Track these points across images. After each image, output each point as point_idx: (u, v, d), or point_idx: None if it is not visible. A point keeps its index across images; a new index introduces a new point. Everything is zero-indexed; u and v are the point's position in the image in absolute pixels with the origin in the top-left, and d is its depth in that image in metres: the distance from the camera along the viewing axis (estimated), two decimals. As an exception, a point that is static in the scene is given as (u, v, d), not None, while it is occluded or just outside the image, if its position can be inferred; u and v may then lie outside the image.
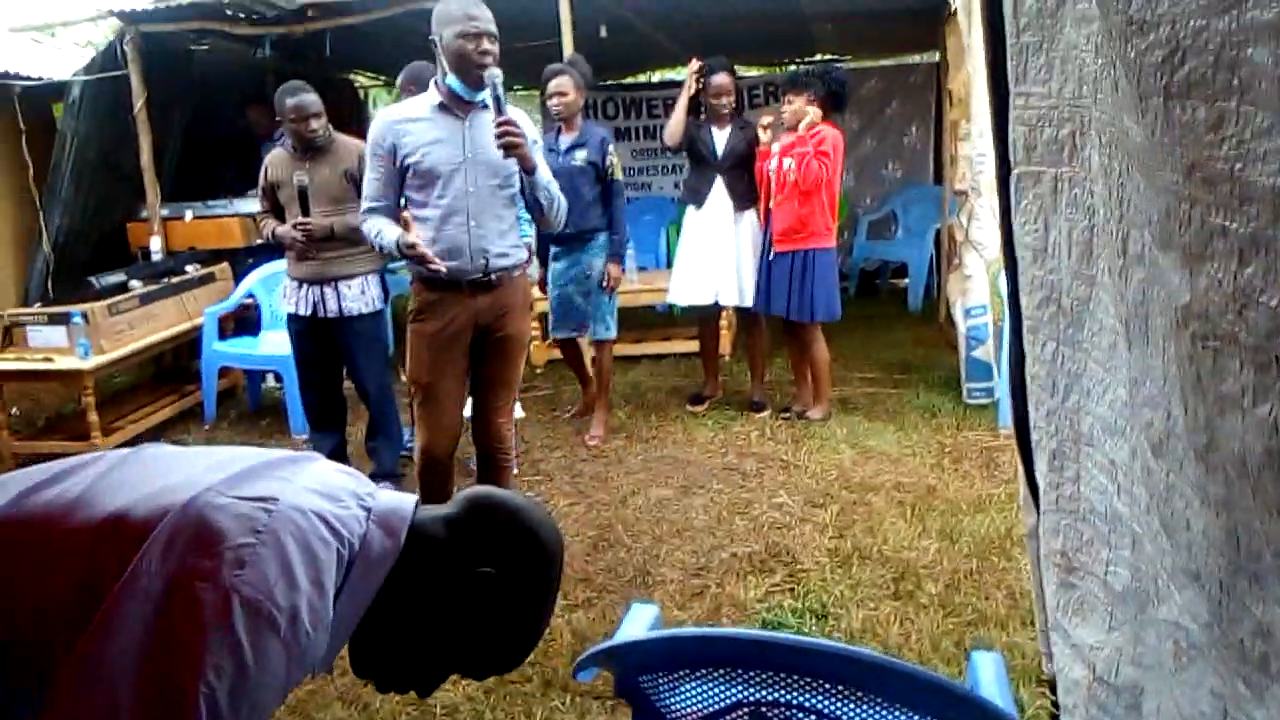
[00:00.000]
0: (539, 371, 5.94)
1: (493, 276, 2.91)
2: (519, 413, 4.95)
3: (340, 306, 3.81)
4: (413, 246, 2.79)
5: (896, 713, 1.23)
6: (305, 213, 3.71)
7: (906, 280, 7.42)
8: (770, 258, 4.51)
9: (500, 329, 2.98)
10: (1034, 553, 1.63)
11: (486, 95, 2.79)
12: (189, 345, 5.23)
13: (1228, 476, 0.70)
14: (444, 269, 2.80)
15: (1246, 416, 0.66)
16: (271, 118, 4.52)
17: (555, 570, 1.12)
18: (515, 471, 3.85)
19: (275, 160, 3.93)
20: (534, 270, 4.90)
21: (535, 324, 5.98)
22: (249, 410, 5.30)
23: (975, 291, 4.71)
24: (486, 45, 2.73)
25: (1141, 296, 0.89)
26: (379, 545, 1.01)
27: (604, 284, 4.45)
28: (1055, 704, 1.70)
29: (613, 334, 4.60)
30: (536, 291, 4.69)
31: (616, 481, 4.06)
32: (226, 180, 6.09)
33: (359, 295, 3.83)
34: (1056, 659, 1.37)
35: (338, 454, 4.18)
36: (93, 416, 4.36)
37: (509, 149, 2.74)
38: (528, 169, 2.83)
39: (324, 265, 3.78)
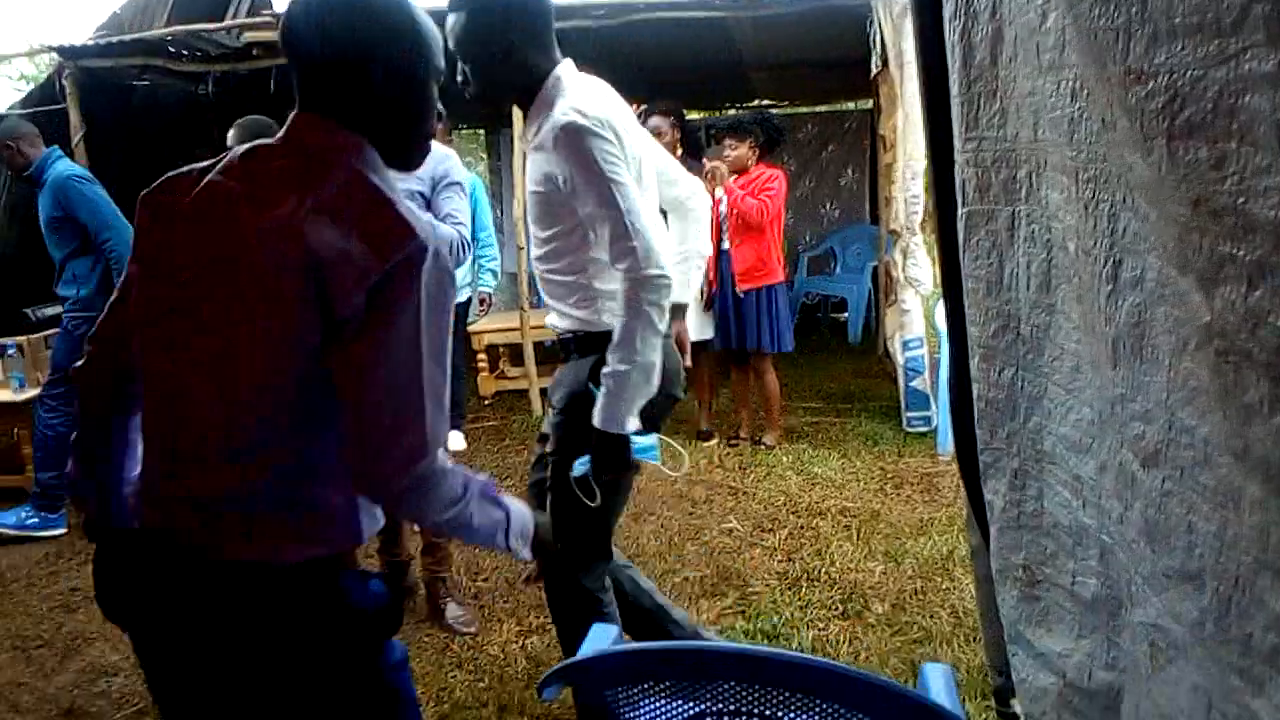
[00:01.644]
0: (487, 403, 5.94)
1: None
2: (459, 444, 4.95)
3: None
4: None
5: (852, 718, 1.28)
6: None
7: (846, 314, 7.62)
8: (739, 296, 4.62)
9: None
10: (980, 570, 1.70)
11: None
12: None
13: (1264, 479, 0.74)
14: None
15: (1266, 424, 0.71)
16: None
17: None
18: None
19: None
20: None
21: (483, 357, 6.00)
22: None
23: (912, 325, 4.87)
24: None
25: (1136, 318, 0.95)
26: None
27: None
28: (1003, 714, 1.78)
29: None
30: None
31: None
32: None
33: None
34: (1018, 669, 1.43)
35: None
36: (27, 449, 4.25)
37: None
38: None
39: None
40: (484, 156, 9.97)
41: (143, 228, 1.31)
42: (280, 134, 1.28)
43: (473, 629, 3.01)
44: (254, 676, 1.26)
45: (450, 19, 1.93)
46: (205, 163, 1.30)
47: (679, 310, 2.25)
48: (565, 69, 1.99)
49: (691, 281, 2.40)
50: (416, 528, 3.08)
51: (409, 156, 1.34)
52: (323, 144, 1.25)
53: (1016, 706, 1.58)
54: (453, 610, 3.07)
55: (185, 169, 1.31)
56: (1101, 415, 1.12)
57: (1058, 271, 1.24)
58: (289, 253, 1.16)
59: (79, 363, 1.41)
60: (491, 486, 1.33)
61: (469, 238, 3.02)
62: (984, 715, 2.23)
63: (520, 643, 2.93)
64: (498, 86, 1.98)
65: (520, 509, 1.40)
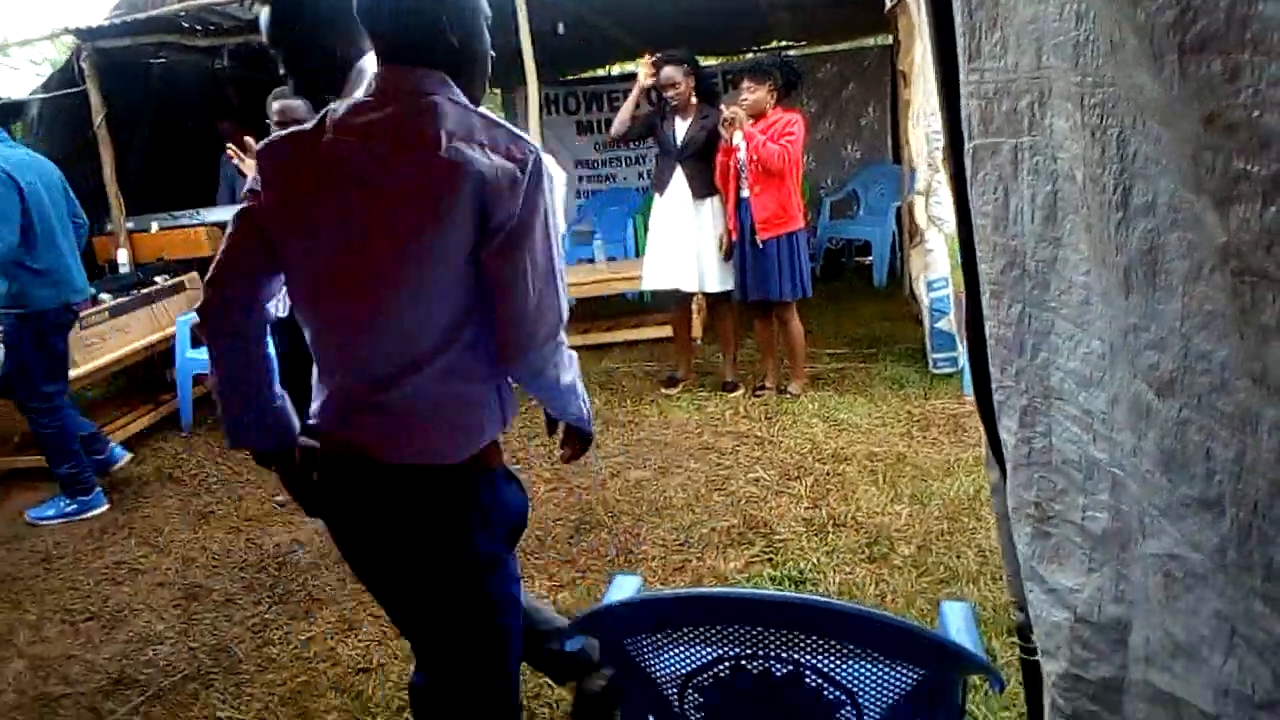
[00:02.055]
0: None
1: None
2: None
3: None
4: None
5: (868, 659, 1.30)
6: None
7: (870, 258, 7.54)
8: (759, 247, 4.58)
9: None
10: (999, 507, 1.71)
11: None
12: (162, 355, 5.24)
13: None
14: None
15: None
16: (241, 131, 4.52)
17: None
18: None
19: None
20: None
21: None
22: (226, 417, 5.31)
23: (936, 265, 4.82)
24: None
25: (1149, 245, 0.94)
26: None
27: None
28: (1025, 650, 1.80)
29: None
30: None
31: (595, 466, 4.14)
32: (193, 190, 6.08)
33: None
34: (1034, 606, 1.45)
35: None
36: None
37: None
38: None
39: None
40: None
41: (270, 181, 1.47)
42: (373, 88, 1.45)
43: None
44: (422, 560, 1.52)
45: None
46: (307, 126, 1.47)
47: None
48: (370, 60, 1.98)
49: None
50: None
51: (475, 91, 1.52)
52: (417, 87, 1.43)
53: (1036, 643, 1.60)
54: None
55: (286, 133, 1.49)
56: (1113, 347, 1.12)
57: (1064, 203, 1.23)
58: (450, 178, 1.36)
59: (200, 317, 1.55)
60: (574, 356, 1.60)
61: None
62: (1009, 651, 2.25)
63: (551, 597, 2.99)
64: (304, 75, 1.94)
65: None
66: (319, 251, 1.45)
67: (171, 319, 5.07)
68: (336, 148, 1.42)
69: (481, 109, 1.47)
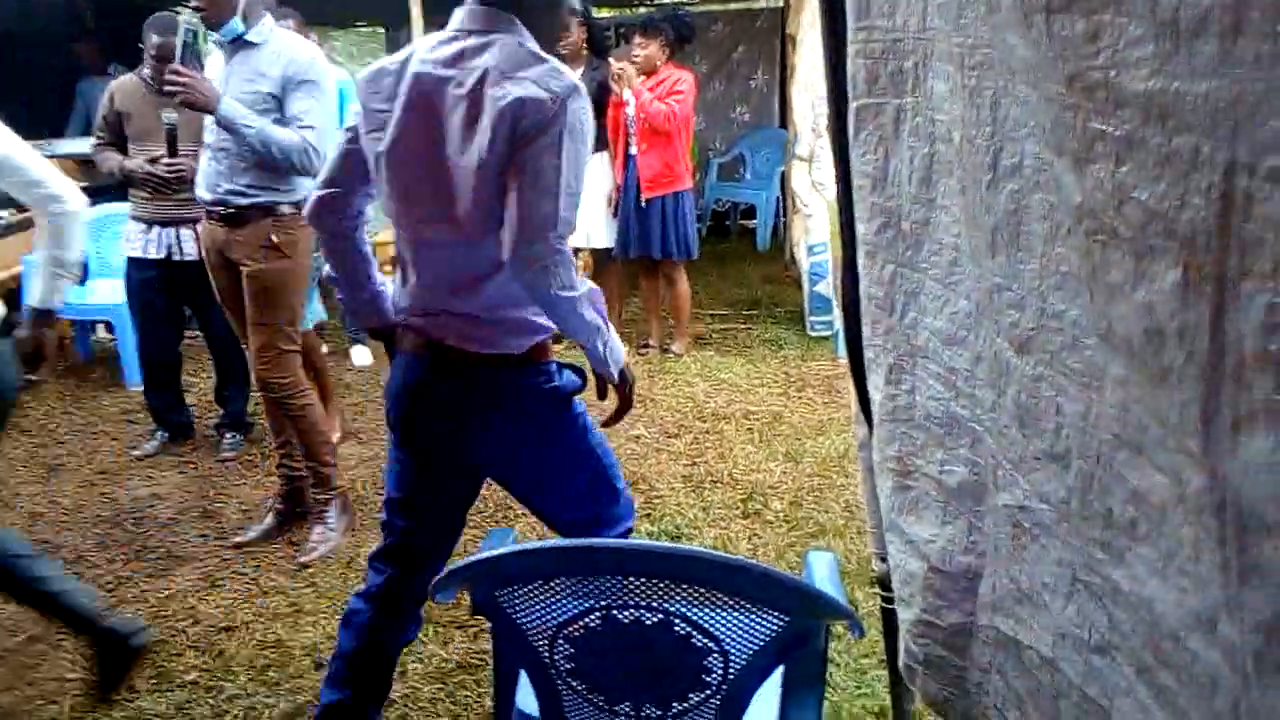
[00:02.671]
0: (393, 317, 5.84)
1: (223, 210, 2.87)
2: (364, 358, 4.84)
3: (200, 248, 3.68)
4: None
5: (735, 607, 1.33)
6: (174, 153, 3.47)
7: (755, 221, 7.65)
8: (642, 205, 4.56)
9: (243, 266, 2.91)
10: (865, 462, 1.77)
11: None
12: (7, 296, 4.85)
13: (1126, 357, 0.78)
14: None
15: (1129, 302, 0.74)
16: (101, 54, 4.20)
17: None
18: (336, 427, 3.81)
19: (125, 89, 3.66)
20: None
21: (389, 268, 5.86)
22: (80, 363, 5.00)
23: (817, 230, 4.93)
24: None
25: (1015, 205, 0.97)
26: None
27: None
28: (885, 599, 1.87)
29: (319, 318, 4.12)
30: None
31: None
32: (45, 117, 5.62)
33: None
34: (892, 556, 1.51)
35: (175, 405, 4.03)
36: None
37: (181, 100, 2.72)
38: (215, 117, 2.74)
39: (182, 206, 3.56)
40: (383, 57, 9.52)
41: (372, 110, 1.71)
42: (456, 22, 1.68)
43: (319, 552, 2.97)
44: (500, 432, 1.78)
45: None
46: (400, 55, 1.71)
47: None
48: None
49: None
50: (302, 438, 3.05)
51: (543, 38, 1.72)
52: (488, 25, 1.66)
53: (894, 591, 1.66)
54: (319, 532, 3.04)
55: (380, 64, 1.73)
56: (979, 306, 1.16)
57: (940, 165, 1.25)
58: (499, 108, 1.57)
59: (309, 221, 1.88)
60: (599, 294, 1.73)
61: (317, 145, 2.75)
62: (871, 601, 2.34)
63: (427, 552, 2.95)
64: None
65: (616, 336, 1.80)
66: (403, 171, 1.69)
67: (18, 258, 4.70)
68: (419, 78, 1.65)
69: (534, 49, 1.66)
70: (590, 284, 1.70)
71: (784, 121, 7.63)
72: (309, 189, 2.90)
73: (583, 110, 1.63)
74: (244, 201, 2.85)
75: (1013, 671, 1.10)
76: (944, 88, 1.16)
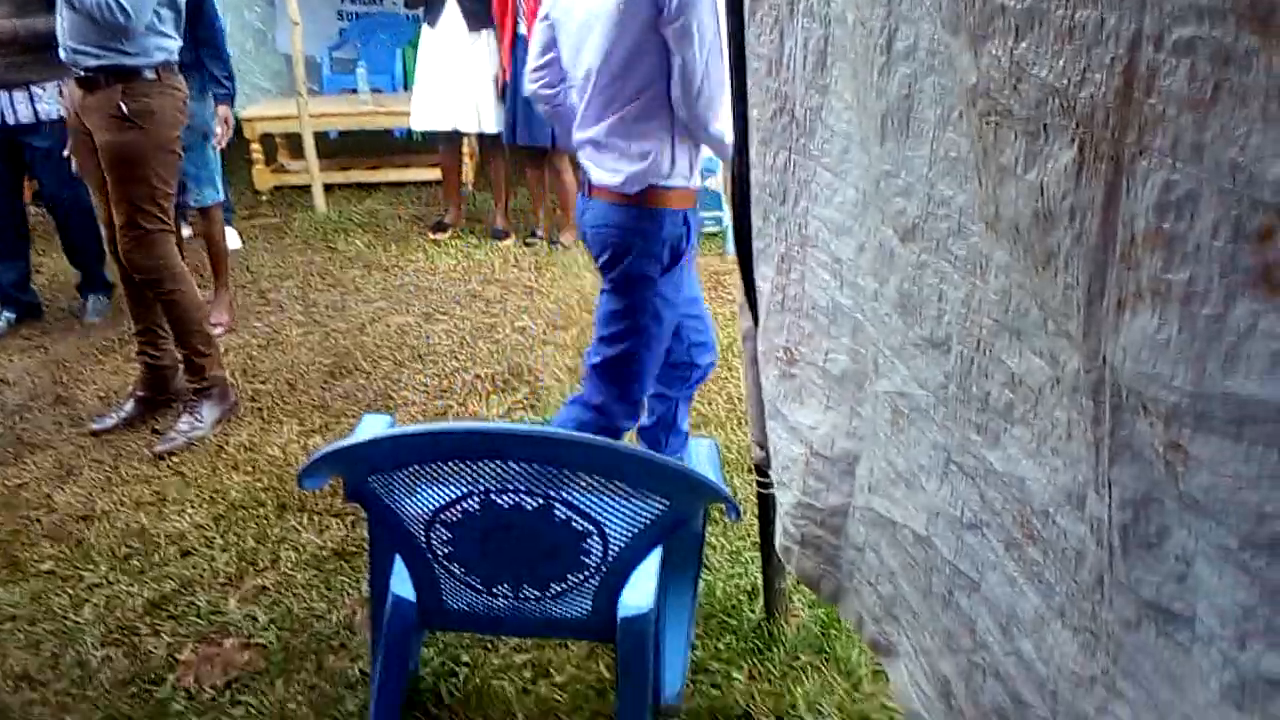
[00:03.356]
0: (264, 199, 5.53)
1: (77, 71, 2.65)
2: (235, 243, 4.60)
3: (35, 110, 3.43)
4: None
5: (616, 492, 1.32)
6: None
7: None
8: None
9: (96, 134, 2.69)
10: (749, 353, 1.78)
11: None
12: None
13: (1011, 242, 0.77)
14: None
15: (1019, 184, 0.73)
16: None
17: None
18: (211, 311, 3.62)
19: None
20: None
21: (257, 147, 5.52)
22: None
23: (710, 123, 4.86)
24: None
25: (907, 90, 0.95)
26: None
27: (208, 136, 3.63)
28: (762, 484, 1.92)
29: (218, 198, 3.78)
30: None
31: (354, 310, 3.94)
32: None
33: (55, 98, 3.37)
34: (774, 443, 1.53)
35: (21, 283, 3.79)
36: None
37: None
38: None
39: (11, 70, 3.32)
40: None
41: None
42: None
43: (177, 443, 2.84)
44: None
45: None
46: None
47: None
48: None
49: None
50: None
51: None
52: None
53: (773, 476, 1.70)
54: (185, 422, 2.90)
55: None
56: (865, 195, 1.15)
57: (834, 49, 1.22)
58: None
59: (527, 88, 2.30)
60: None
61: (122, 3, 2.48)
62: (748, 488, 2.41)
63: (302, 443, 2.86)
64: None
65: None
66: (573, 37, 2.00)
67: None
68: None
69: None
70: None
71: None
72: (169, 52, 2.70)
73: None
74: (92, 63, 2.60)
75: (887, 549, 1.13)
76: None
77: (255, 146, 5.52)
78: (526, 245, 4.74)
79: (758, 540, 2.06)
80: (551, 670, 1.91)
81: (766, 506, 1.94)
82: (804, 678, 1.89)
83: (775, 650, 1.96)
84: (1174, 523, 0.65)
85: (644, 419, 2.35)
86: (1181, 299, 0.58)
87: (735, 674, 1.91)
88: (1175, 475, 0.62)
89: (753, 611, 2.08)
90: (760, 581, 2.08)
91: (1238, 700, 0.61)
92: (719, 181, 4.85)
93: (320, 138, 5.30)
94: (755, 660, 1.95)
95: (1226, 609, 0.60)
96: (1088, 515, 0.73)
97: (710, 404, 3.07)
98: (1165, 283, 0.59)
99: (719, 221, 4.92)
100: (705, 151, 2.13)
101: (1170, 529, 0.65)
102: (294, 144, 5.62)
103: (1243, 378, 0.54)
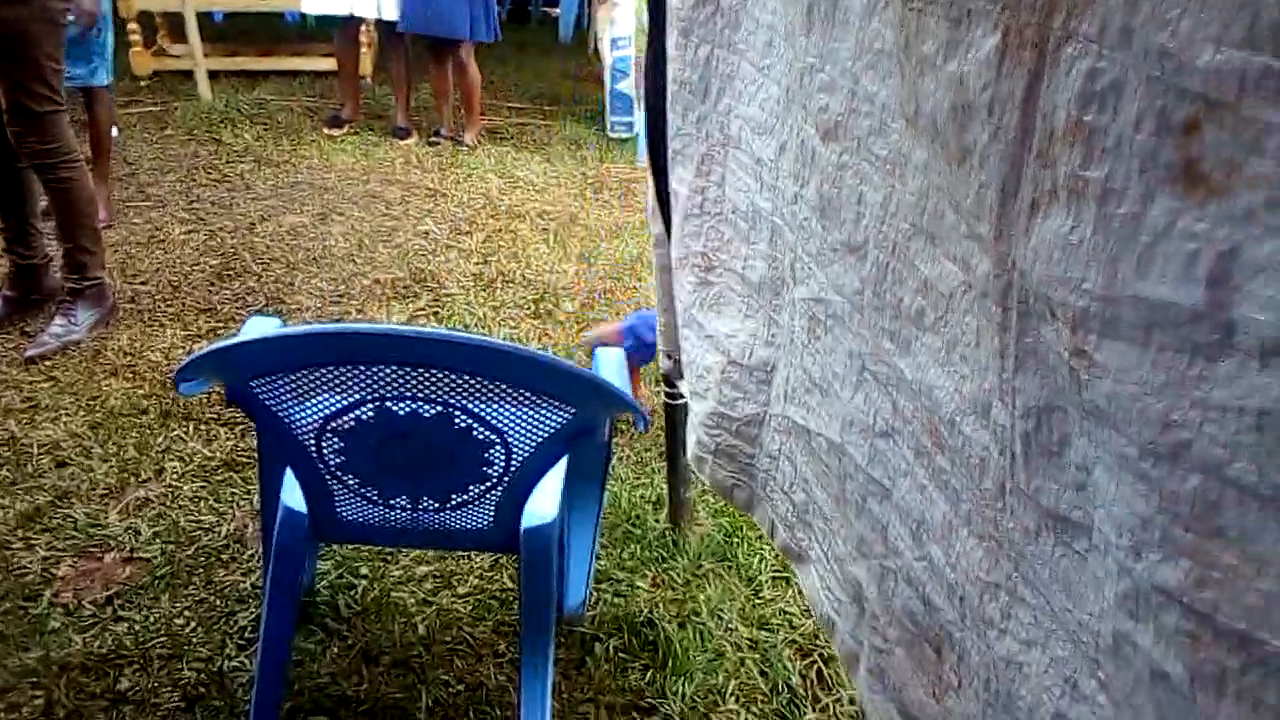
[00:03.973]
0: (143, 84, 5.13)
1: None
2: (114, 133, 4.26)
3: None
4: None
5: (519, 400, 1.26)
6: None
7: (558, 9, 7.21)
8: None
9: None
10: (660, 260, 1.72)
11: None
12: None
13: (930, 139, 0.73)
14: None
15: (939, 74, 0.68)
16: None
17: None
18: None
19: None
20: None
21: (135, 27, 5.08)
22: None
23: (622, 22, 4.68)
24: None
25: None
26: None
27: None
28: (670, 395, 1.89)
29: (106, 79, 3.42)
30: None
31: (243, 208, 3.71)
32: None
33: None
34: (688, 352, 1.48)
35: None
36: None
37: None
38: None
39: None
40: None
41: None
42: None
43: (50, 347, 2.64)
44: None
45: None
46: None
47: None
48: None
49: None
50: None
51: None
52: None
53: (682, 387, 1.66)
54: (60, 324, 2.69)
55: None
56: (789, 92, 1.09)
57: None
58: None
59: None
60: None
61: None
62: (656, 399, 2.38)
63: (186, 347, 2.70)
64: None
65: None
66: None
67: None
68: None
69: None
70: None
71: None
72: None
73: None
74: None
75: (802, 457, 1.11)
76: None
77: (133, 26, 5.09)
78: (430, 145, 4.54)
79: (664, 450, 2.04)
80: (454, 581, 1.88)
81: (673, 417, 1.91)
82: (707, 584, 1.90)
83: (679, 559, 1.97)
84: (1075, 431, 0.63)
85: None
86: (1098, 197, 0.54)
87: (639, 582, 1.91)
88: (1079, 382, 0.60)
89: (657, 521, 2.07)
90: (665, 491, 2.07)
91: (1132, 610, 0.60)
92: (631, 85, 4.71)
93: (205, 19, 4.92)
94: (659, 568, 1.95)
95: (1123, 519, 0.59)
96: (992, 423, 0.71)
97: (620, 314, 3.02)
98: (1082, 180, 0.55)
99: (630, 128, 4.80)
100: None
101: (1071, 437, 0.63)
102: (175, 24, 5.20)
103: (1156, 280, 0.51)
